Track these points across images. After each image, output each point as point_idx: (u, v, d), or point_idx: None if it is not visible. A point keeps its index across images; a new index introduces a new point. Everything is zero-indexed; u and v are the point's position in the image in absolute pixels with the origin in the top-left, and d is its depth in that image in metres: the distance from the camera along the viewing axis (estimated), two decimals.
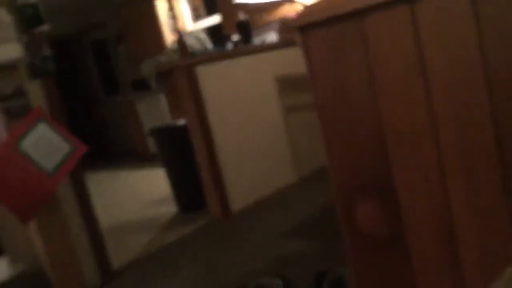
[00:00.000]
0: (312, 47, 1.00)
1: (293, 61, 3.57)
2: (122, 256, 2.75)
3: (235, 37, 4.67)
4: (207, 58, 3.02)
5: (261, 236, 2.62)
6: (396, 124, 0.98)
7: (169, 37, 5.95)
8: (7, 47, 2.08)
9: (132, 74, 7.05)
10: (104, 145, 7.92)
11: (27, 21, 2.20)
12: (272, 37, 4.15)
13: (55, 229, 2.23)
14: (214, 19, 5.31)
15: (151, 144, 6.24)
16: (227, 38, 4.62)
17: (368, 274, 1.10)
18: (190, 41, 3.11)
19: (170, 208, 3.61)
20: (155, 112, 6.03)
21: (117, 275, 2.52)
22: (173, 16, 5.50)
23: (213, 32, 4.20)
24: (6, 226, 2.55)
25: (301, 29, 1.00)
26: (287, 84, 3.55)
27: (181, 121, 3.51)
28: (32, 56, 2.18)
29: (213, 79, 3.06)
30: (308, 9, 0.98)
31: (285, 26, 3.55)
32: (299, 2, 3.98)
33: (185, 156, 3.31)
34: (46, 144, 2.16)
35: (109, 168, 6.43)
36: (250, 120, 3.29)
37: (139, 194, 4.51)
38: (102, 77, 8.05)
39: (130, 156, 6.91)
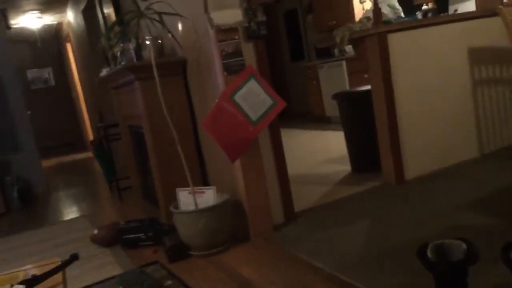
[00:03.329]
0: None
1: (489, 32, 3.21)
2: (301, 202, 2.92)
3: (426, 7, 4.38)
4: (400, 26, 2.91)
5: (435, 206, 2.51)
6: None
7: (358, 7, 5.84)
8: (232, 12, 2.32)
9: (317, 42, 7.16)
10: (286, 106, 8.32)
11: None
12: (468, 6, 3.77)
13: (254, 170, 2.48)
14: None
15: (328, 108, 6.34)
16: (417, 7, 4.36)
17: None
18: (384, 10, 3.03)
19: (344, 167, 3.67)
20: (334, 78, 6.07)
21: (297, 217, 2.70)
22: None
23: (404, 1, 4.00)
24: (214, 165, 2.92)
25: None
26: (480, 56, 3.21)
27: (363, 88, 3.49)
28: (249, 21, 2.39)
29: (403, 47, 2.94)
30: None
31: None
32: None
33: (365, 120, 3.30)
34: (254, 97, 2.38)
35: (289, 126, 6.76)
36: (437, 90, 3.10)
37: (316, 151, 4.68)
38: (289, 44, 8.37)
39: (308, 117, 7.15)
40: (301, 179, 3.61)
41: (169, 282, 1.00)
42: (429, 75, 3.07)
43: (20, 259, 2.86)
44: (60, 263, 1.48)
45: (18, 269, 1.55)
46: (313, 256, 2.13)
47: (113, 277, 1.13)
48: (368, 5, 5.73)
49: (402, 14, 3.58)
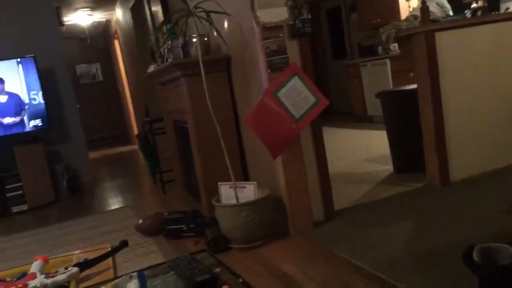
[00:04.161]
0: None
1: None
2: (342, 201, 2.91)
3: (475, 5, 4.23)
4: (448, 24, 2.84)
5: (481, 208, 2.44)
6: None
7: (404, 5, 5.71)
8: (277, 11, 2.34)
9: (361, 40, 7.07)
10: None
11: None
12: None
13: (295, 166, 2.50)
14: None
15: (370, 106, 6.25)
16: (466, 5, 4.23)
17: None
18: (431, 8, 2.95)
19: (386, 167, 3.62)
20: (377, 77, 5.98)
21: (337, 215, 2.69)
22: None
23: None
24: (255, 161, 2.96)
25: None
26: None
27: (408, 87, 3.42)
28: (294, 19, 2.40)
29: (452, 46, 2.87)
30: None
31: None
32: None
33: (409, 119, 3.24)
34: (297, 95, 2.40)
35: (330, 124, 6.70)
36: (486, 90, 2.99)
37: (357, 150, 4.63)
38: (332, 42, 8.29)
39: (349, 116, 7.07)
40: (342, 178, 3.58)
41: (217, 270, 1.04)
42: (478, 74, 2.98)
43: (70, 245, 3.01)
44: (109, 249, 1.56)
45: (71, 253, 1.65)
46: (352, 254, 2.12)
47: (164, 263, 1.18)
48: (414, 3, 5.59)
49: (451, 12, 3.48)
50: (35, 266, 1.36)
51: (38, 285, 1.18)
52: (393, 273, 1.87)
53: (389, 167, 3.58)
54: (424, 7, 2.80)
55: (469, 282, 1.46)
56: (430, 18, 2.89)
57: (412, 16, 2.96)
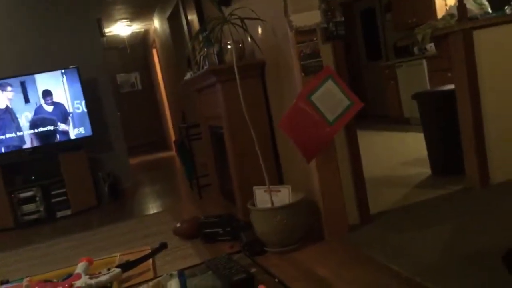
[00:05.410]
0: None
1: None
2: (378, 204, 2.86)
3: None
4: (486, 22, 2.75)
5: None
6: None
7: (440, 4, 5.57)
8: (310, 14, 2.35)
9: (396, 40, 6.94)
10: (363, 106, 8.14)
11: None
12: None
13: (329, 170, 2.49)
14: None
15: (406, 108, 6.12)
16: (505, 1, 4.06)
17: None
18: (469, 5, 2.88)
19: (424, 170, 3.53)
20: (414, 78, 5.85)
21: (373, 219, 2.65)
22: None
23: None
24: (289, 165, 2.96)
25: None
26: None
27: (445, 87, 3.33)
28: (327, 22, 2.40)
29: (491, 44, 2.77)
30: None
31: None
32: None
33: (447, 120, 3.15)
34: (331, 98, 2.38)
35: (366, 127, 6.60)
36: None
37: (394, 153, 4.54)
38: (366, 44, 8.19)
39: (384, 118, 6.94)
40: (378, 181, 3.52)
41: (253, 270, 1.06)
42: None
43: (112, 247, 3.11)
44: (150, 251, 1.60)
45: (113, 255, 1.71)
46: (389, 258, 2.09)
47: (202, 263, 1.21)
48: (451, 1, 5.44)
49: (489, 9, 3.36)
50: (80, 267, 1.41)
51: (83, 285, 1.23)
52: (431, 278, 1.82)
53: (426, 170, 3.49)
54: (461, 4, 2.73)
55: (509, 286, 1.41)
56: (468, 16, 2.82)
57: (448, 15, 2.89)
